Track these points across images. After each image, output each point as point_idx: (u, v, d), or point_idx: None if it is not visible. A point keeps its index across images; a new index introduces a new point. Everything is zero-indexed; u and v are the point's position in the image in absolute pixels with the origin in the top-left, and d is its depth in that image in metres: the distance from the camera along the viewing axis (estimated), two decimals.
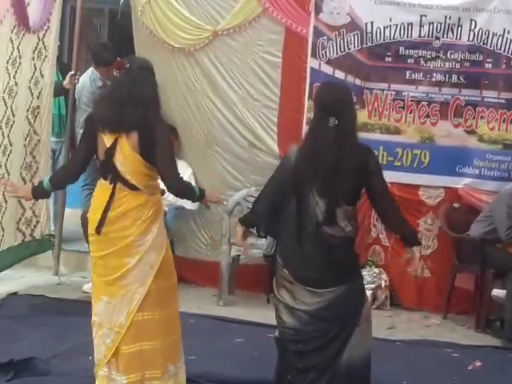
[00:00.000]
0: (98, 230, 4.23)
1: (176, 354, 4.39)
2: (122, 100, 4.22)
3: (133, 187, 4.24)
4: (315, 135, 4.12)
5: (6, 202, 6.13)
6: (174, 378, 4.36)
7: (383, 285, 6.83)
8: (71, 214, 7.32)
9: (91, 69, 6.97)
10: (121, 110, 4.20)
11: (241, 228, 4.29)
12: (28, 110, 6.36)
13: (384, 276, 6.86)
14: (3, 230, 6.16)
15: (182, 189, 4.39)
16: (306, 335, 4.11)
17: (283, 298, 4.15)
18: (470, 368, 5.47)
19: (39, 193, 4.47)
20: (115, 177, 4.24)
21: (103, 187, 4.31)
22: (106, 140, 4.23)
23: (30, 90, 6.36)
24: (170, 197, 6.53)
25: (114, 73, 4.43)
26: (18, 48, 6.09)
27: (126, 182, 4.24)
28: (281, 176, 4.22)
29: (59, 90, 6.91)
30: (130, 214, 4.23)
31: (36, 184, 4.87)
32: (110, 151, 4.22)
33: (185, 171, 6.87)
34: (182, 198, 4.71)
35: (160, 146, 4.21)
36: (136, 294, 4.23)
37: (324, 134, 4.05)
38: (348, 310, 4.14)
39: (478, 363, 5.52)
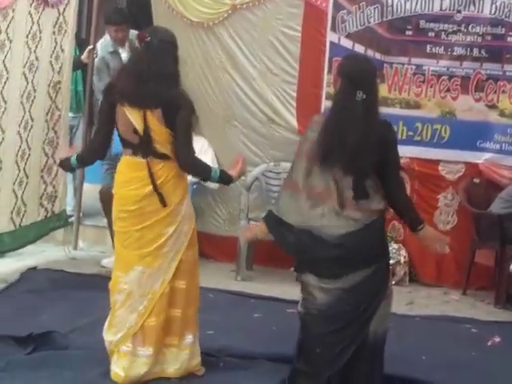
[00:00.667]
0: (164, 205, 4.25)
1: (195, 324, 4.47)
2: (142, 76, 4.22)
3: (164, 156, 4.27)
4: (342, 109, 4.06)
5: (27, 177, 6.14)
6: (192, 346, 4.44)
7: (402, 261, 6.80)
8: (90, 189, 7.34)
9: (104, 36, 7.00)
10: (142, 86, 4.21)
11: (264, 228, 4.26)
12: (49, 85, 6.35)
13: (403, 252, 6.84)
14: (25, 205, 6.16)
15: (193, 166, 4.37)
16: (339, 309, 4.07)
17: (315, 279, 4.12)
18: (489, 344, 5.45)
19: (66, 166, 4.69)
20: (146, 151, 4.27)
21: (131, 162, 4.33)
22: (129, 114, 4.24)
23: (51, 65, 6.35)
24: None
25: (137, 44, 4.42)
26: (38, 22, 6.07)
27: (155, 153, 4.26)
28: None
29: (77, 65, 6.92)
30: (168, 185, 4.29)
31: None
32: (146, 129, 4.23)
33: (206, 152, 6.85)
34: (195, 176, 4.70)
35: (178, 122, 4.23)
36: (172, 262, 4.31)
37: (352, 108, 4.00)
38: (378, 286, 4.14)
39: (497, 339, 5.50)
